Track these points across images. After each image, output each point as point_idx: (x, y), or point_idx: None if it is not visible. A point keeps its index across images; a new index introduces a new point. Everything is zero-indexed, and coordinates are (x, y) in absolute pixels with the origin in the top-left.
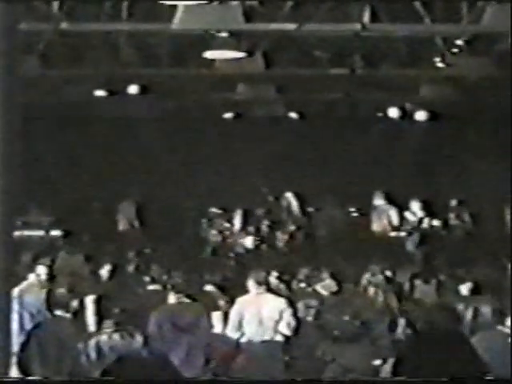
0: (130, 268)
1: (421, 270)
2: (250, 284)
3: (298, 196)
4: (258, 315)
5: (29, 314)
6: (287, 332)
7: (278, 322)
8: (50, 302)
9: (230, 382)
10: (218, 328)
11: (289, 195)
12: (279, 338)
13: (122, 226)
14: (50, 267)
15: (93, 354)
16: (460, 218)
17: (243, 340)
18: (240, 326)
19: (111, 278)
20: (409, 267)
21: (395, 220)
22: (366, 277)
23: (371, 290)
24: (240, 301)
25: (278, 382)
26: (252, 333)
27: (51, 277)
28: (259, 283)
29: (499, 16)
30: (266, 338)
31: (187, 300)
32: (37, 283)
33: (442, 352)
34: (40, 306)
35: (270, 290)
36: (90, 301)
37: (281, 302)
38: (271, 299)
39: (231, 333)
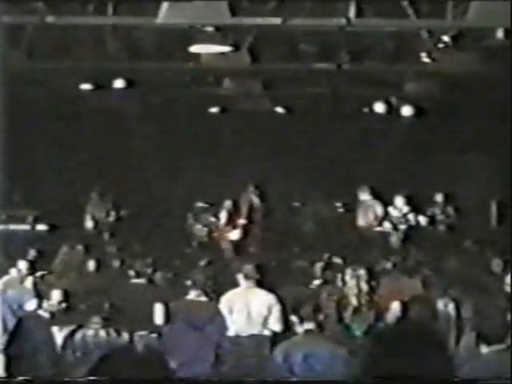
0: (115, 263)
1: (405, 265)
2: (240, 277)
3: (283, 191)
4: (247, 309)
5: (11, 309)
6: (277, 328)
7: (266, 318)
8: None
9: (228, 382)
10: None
11: (251, 189)
12: (267, 332)
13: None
14: (33, 262)
15: (78, 350)
16: (445, 213)
17: (231, 334)
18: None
19: (97, 273)
20: (393, 262)
21: (381, 215)
22: (349, 271)
23: (353, 284)
24: (229, 294)
25: (277, 383)
26: (240, 326)
27: (34, 271)
28: (248, 277)
29: (484, 11)
30: (254, 332)
31: (204, 298)
32: (18, 278)
33: (414, 350)
34: (22, 300)
35: (259, 284)
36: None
37: (270, 298)
38: (260, 294)
39: None
